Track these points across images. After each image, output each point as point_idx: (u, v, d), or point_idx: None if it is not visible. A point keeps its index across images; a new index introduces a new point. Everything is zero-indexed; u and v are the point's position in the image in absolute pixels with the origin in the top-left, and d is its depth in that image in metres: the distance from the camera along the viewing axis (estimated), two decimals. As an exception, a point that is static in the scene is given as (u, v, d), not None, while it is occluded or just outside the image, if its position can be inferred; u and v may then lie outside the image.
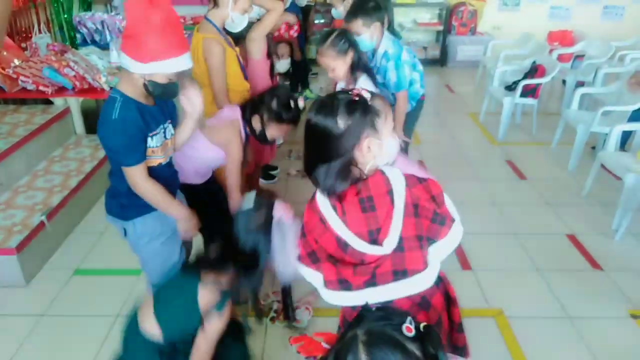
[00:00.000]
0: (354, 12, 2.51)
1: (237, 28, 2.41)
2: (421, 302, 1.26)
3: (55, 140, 3.37)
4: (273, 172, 3.58)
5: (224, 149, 2.02)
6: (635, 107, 3.41)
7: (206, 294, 1.40)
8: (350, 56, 2.26)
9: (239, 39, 2.65)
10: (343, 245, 1.20)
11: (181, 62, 1.50)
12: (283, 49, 4.16)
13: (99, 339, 2.16)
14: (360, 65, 2.31)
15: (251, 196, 1.56)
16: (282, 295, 2.22)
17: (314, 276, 1.28)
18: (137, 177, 1.58)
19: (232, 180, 2.05)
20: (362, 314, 0.85)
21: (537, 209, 3.22)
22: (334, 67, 2.26)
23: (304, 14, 5.15)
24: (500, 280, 2.55)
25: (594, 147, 3.88)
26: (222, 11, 2.33)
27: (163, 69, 1.48)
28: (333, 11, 3.26)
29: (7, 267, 2.42)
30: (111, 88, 3.23)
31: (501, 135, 4.24)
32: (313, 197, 1.28)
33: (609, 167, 3.11)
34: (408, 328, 0.78)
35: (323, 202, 1.23)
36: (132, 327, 1.48)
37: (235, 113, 2.10)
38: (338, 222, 1.19)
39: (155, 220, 1.71)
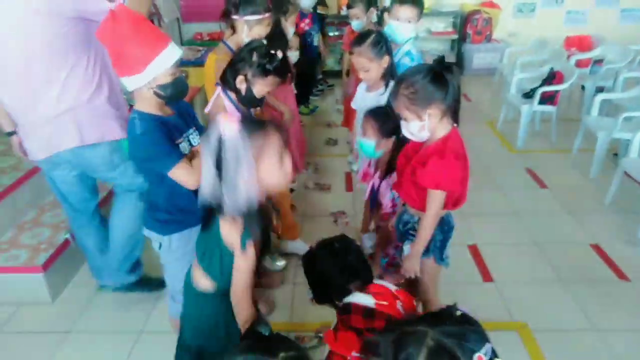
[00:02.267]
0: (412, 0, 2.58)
1: None
2: None
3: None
4: (291, 186, 3.60)
5: None
6: (658, 112, 3.36)
7: (225, 227, 1.30)
8: (386, 61, 2.27)
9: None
10: None
11: (172, 52, 1.56)
12: (292, 41, 4.07)
13: (124, 356, 2.19)
14: (393, 72, 2.32)
15: None
16: None
17: None
18: (184, 175, 1.60)
19: None
20: (445, 314, 0.83)
21: (559, 218, 3.17)
22: (369, 68, 2.27)
23: (319, 23, 5.19)
24: (523, 292, 2.52)
25: (616, 154, 3.81)
26: (238, 37, 2.36)
27: (160, 67, 1.53)
28: (354, 23, 3.27)
29: (34, 285, 2.47)
30: (131, 106, 3.32)
31: (520, 143, 4.19)
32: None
33: (632, 174, 3.06)
34: (480, 358, 0.75)
35: None
36: (189, 289, 1.49)
37: (217, 90, 2.09)
38: None
39: (191, 236, 1.74)
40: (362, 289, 1.57)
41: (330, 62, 6.47)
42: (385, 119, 2.01)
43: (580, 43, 5.73)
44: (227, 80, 2.01)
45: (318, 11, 5.33)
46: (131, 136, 1.61)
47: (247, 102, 2.03)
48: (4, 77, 1.87)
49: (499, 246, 2.88)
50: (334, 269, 1.60)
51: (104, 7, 1.68)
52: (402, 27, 2.53)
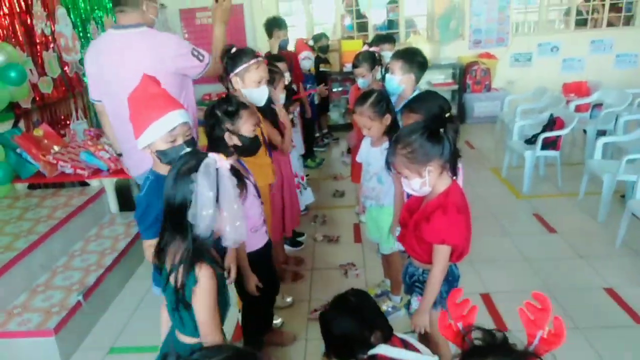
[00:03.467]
0: (400, 54, 2.71)
1: (260, 102, 2.43)
2: None
3: (91, 220, 3.52)
4: (300, 239, 3.63)
5: None
6: (660, 153, 3.40)
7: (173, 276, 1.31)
8: (387, 119, 2.34)
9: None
10: None
11: (168, 121, 1.66)
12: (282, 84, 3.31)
13: (135, 420, 2.15)
14: (397, 128, 2.37)
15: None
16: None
17: None
18: (147, 251, 1.72)
19: None
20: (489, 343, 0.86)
21: (571, 263, 3.15)
22: (371, 126, 2.34)
23: (320, 82, 5.39)
24: (540, 340, 2.46)
25: (623, 196, 3.82)
26: (238, 92, 2.39)
27: (153, 134, 1.65)
28: (360, 81, 3.41)
29: (45, 349, 2.47)
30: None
31: (526, 189, 4.22)
32: None
33: (639, 216, 3.06)
34: None
35: None
36: (178, 346, 1.49)
37: None
38: None
39: None
40: (386, 340, 1.56)
41: (335, 116, 6.66)
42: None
43: (578, 89, 5.87)
44: (218, 150, 1.98)
45: (321, 69, 5.55)
46: (139, 192, 1.76)
47: (249, 148, 2.03)
48: (122, 114, 2.05)
49: (512, 294, 2.84)
50: (354, 325, 1.59)
51: (195, 63, 2.36)
52: (390, 77, 2.66)
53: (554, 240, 3.47)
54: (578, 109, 5.04)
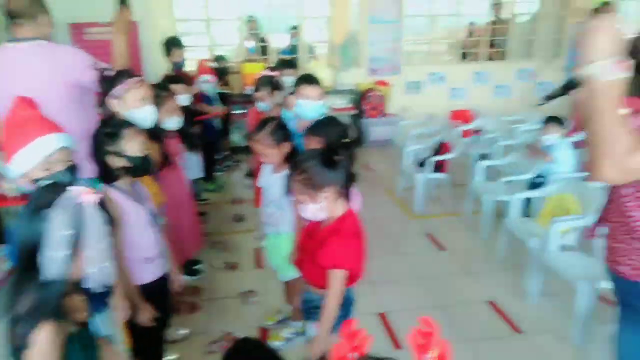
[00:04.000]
0: (310, 80, 2.78)
1: (144, 123, 2.24)
2: None
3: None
4: (197, 267, 3.47)
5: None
6: (530, 175, 3.78)
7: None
8: (285, 147, 2.34)
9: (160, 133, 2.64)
10: None
11: (44, 145, 1.52)
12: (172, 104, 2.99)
13: None
14: (297, 155, 2.38)
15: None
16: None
17: None
18: None
19: None
20: None
21: (459, 279, 3.36)
22: (269, 154, 2.34)
23: (222, 102, 5.31)
24: (431, 356, 2.57)
25: (501, 214, 4.18)
26: (119, 114, 2.20)
27: (26, 161, 1.50)
28: (260, 105, 3.39)
29: None
30: (19, 195, 3.09)
31: (418, 209, 4.47)
32: None
33: (515, 233, 3.36)
34: None
35: None
36: None
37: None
38: None
39: None
40: None
41: (236, 139, 6.58)
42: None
43: (463, 116, 6.39)
44: (106, 174, 1.89)
45: (220, 91, 5.47)
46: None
47: (139, 168, 1.91)
48: None
49: (406, 312, 2.96)
50: None
51: (93, 75, 2.31)
52: (310, 104, 2.69)
53: (444, 257, 3.69)
54: (463, 134, 5.47)
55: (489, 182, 4.22)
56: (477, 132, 5.45)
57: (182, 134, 3.06)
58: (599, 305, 2.60)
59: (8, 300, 1.19)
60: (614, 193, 1.38)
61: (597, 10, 6.54)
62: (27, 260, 1.14)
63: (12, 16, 2.31)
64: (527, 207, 3.79)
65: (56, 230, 1.10)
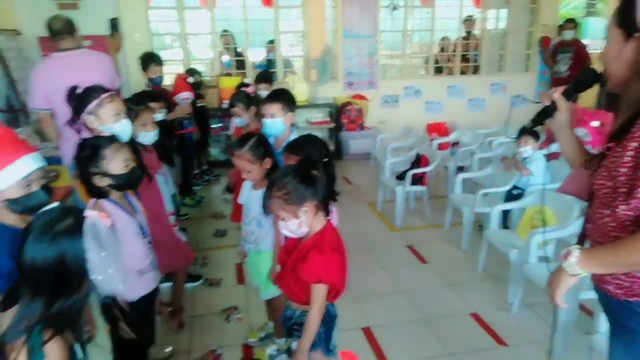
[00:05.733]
0: (275, 96, 2.72)
1: (122, 137, 2.16)
2: None
3: None
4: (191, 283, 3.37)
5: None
6: (507, 187, 3.85)
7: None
8: (267, 162, 2.32)
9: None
10: None
11: (18, 168, 1.49)
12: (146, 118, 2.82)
13: None
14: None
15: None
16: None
17: None
18: None
19: None
20: None
21: (442, 291, 3.38)
22: (250, 170, 2.31)
23: (200, 116, 5.26)
24: (418, 370, 2.58)
25: (481, 226, 4.24)
26: (95, 130, 2.24)
27: (2, 181, 1.47)
28: (237, 121, 3.37)
29: None
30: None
31: (398, 222, 4.49)
32: None
33: (495, 245, 3.40)
34: None
35: None
36: None
37: (90, 205, 1.93)
38: None
39: None
40: None
41: (215, 152, 6.52)
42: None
43: (439, 129, 6.49)
44: (95, 193, 1.89)
45: (198, 104, 5.42)
46: None
47: (128, 183, 1.95)
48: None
49: (390, 326, 2.95)
50: None
51: (118, 82, 3.34)
52: (274, 121, 2.66)
53: (425, 269, 3.70)
54: (440, 147, 5.55)
55: (467, 194, 4.28)
56: (454, 144, 5.53)
57: (160, 148, 3.02)
58: (580, 315, 2.65)
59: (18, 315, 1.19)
60: (593, 214, 1.39)
61: (561, 27, 6.80)
62: (40, 280, 1.17)
63: (55, 34, 3.09)
64: (506, 219, 3.86)
65: (94, 254, 1.17)
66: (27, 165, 1.50)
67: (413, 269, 3.73)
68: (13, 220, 1.51)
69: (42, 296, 1.16)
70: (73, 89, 2.24)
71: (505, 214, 3.81)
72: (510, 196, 3.82)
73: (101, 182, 1.87)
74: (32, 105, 3.15)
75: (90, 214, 1.22)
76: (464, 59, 7.72)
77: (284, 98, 2.71)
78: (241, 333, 2.91)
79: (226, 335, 2.91)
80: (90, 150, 1.86)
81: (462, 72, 7.73)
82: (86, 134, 2.25)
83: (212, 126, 6.26)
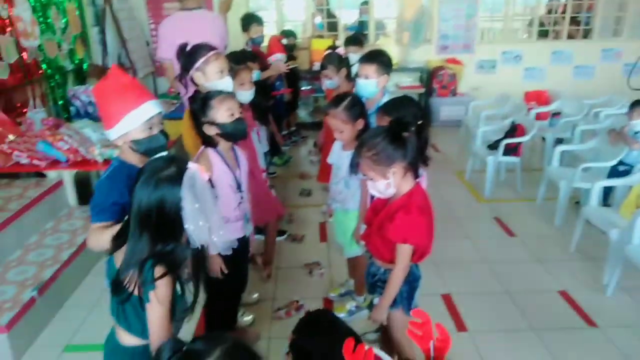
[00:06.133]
0: (371, 57, 2.67)
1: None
2: None
3: (47, 213, 3.38)
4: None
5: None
6: (613, 162, 3.56)
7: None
8: (360, 123, 2.34)
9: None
10: None
11: (145, 110, 1.64)
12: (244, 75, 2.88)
13: (90, 421, 2.08)
14: None
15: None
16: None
17: None
18: (92, 235, 1.68)
19: None
20: None
21: (528, 266, 3.26)
22: (343, 130, 2.34)
23: (291, 78, 5.35)
24: (498, 342, 2.54)
25: (577, 202, 3.98)
26: (202, 87, 2.37)
27: (129, 124, 1.63)
28: (327, 82, 3.40)
29: (-5, 347, 2.37)
30: (105, 160, 3.31)
31: (487, 193, 4.34)
32: None
33: (593, 223, 3.19)
34: None
35: None
36: (116, 350, 1.50)
37: (201, 148, 2.13)
38: None
39: None
40: None
41: (303, 115, 6.64)
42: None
43: (539, 97, 6.07)
44: (205, 139, 2.07)
45: (290, 66, 5.49)
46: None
47: (234, 133, 2.05)
48: None
49: (472, 295, 2.92)
50: (335, 345, 1.54)
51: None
52: (367, 82, 2.64)
53: (512, 243, 3.58)
54: (538, 116, 5.20)
55: (565, 168, 4.01)
56: (554, 115, 5.16)
57: (255, 107, 3.14)
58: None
59: (115, 239, 1.36)
60: None
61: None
62: (144, 220, 1.28)
63: None
64: (608, 197, 3.59)
65: (188, 204, 1.23)
66: (151, 109, 1.65)
67: (499, 241, 3.62)
68: (135, 160, 1.68)
69: (147, 234, 1.27)
70: (183, 46, 2.40)
71: (607, 191, 3.54)
72: (615, 172, 3.53)
73: (210, 130, 2.02)
74: (159, 55, 3.40)
75: (191, 166, 1.28)
76: (574, 21, 7.06)
77: (380, 60, 2.66)
78: (323, 287, 3.04)
79: (308, 288, 3.06)
80: (201, 101, 2.03)
81: (570, 37, 7.09)
82: (192, 90, 2.41)
83: (301, 88, 6.36)
